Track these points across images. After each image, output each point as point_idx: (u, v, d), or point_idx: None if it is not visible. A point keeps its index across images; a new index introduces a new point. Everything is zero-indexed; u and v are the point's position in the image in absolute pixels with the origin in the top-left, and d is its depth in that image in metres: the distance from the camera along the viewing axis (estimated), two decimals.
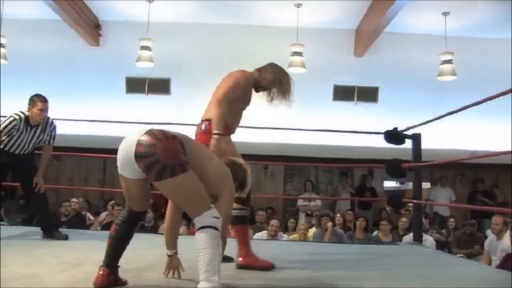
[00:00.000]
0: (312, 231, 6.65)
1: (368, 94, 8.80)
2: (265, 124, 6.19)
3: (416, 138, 4.82)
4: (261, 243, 4.87)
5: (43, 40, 8.37)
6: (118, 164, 2.27)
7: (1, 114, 4.11)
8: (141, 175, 2.22)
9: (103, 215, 7.25)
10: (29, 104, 3.88)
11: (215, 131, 2.86)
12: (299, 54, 7.57)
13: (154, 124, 2.42)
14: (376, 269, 3.18)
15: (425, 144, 4.85)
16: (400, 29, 7.95)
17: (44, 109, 3.88)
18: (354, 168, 10.23)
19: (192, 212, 2.20)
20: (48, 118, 4.02)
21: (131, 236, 2.42)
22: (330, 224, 6.39)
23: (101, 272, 2.31)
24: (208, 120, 2.95)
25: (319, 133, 6.65)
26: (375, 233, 6.71)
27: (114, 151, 2.31)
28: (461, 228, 7.09)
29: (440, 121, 4.23)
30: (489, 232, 6.21)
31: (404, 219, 6.81)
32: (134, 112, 7.63)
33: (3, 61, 7.46)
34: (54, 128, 4.09)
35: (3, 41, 7.47)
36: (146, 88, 8.74)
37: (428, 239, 6.03)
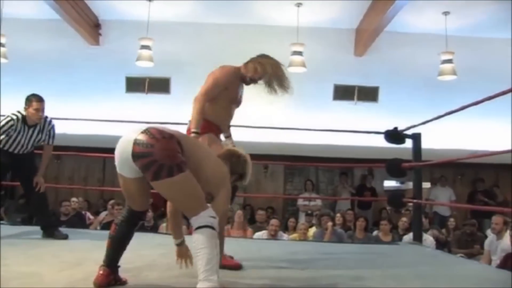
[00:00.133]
0: (312, 230, 6.65)
1: (368, 94, 8.79)
2: (265, 124, 6.19)
3: (416, 138, 4.82)
4: (261, 243, 4.88)
5: (43, 39, 8.37)
6: (116, 163, 2.27)
7: (1, 113, 4.10)
8: (139, 174, 2.22)
9: (103, 214, 7.25)
10: (26, 104, 3.88)
11: (192, 130, 2.88)
12: (299, 53, 7.57)
13: (154, 124, 2.40)
14: (376, 269, 3.18)
15: (425, 144, 4.85)
16: (400, 28, 7.94)
17: (40, 109, 3.86)
18: (354, 168, 10.24)
19: (189, 212, 2.20)
20: (46, 117, 4.02)
21: (131, 236, 2.42)
22: (330, 223, 6.39)
23: (101, 272, 2.31)
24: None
25: (319, 132, 6.64)
26: (375, 232, 6.71)
27: (114, 151, 2.30)
28: (461, 228, 7.08)
29: (440, 121, 4.23)
30: (489, 232, 6.20)
31: (404, 219, 6.81)
32: (134, 112, 7.63)
33: (3, 60, 7.45)
34: (53, 127, 4.08)
35: (3, 40, 7.47)
36: (146, 88, 8.73)
37: (428, 238, 6.03)
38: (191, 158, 2.26)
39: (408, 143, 4.87)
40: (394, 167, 4.81)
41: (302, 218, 8.08)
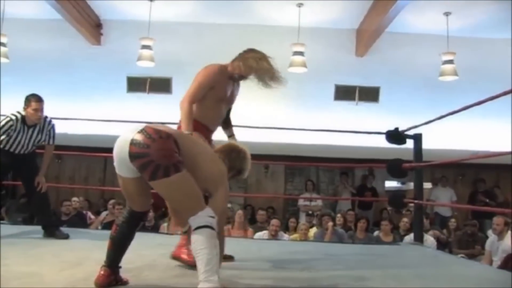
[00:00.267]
0: (312, 231, 6.65)
1: (370, 94, 8.79)
2: (266, 124, 6.18)
3: (417, 138, 4.82)
4: (262, 243, 4.88)
5: (45, 39, 8.38)
6: (115, 163, 2.26)
7: (2, 113, 4.10)
8: (137, 173, 2.21)
9: (104, 214, 7.25)
10: (25, 104, 3.87)
11: (184, 132, 2.84)
12: (301, 53, 7.56)
13: (154, 124, 2.40)
14: (377, 269, 3.17)
15: (426, 144, 4.85)
16: (401, 29, 7.94)
17: (39, 109, 3.86)
18: (355, 168, 10.24)
19: (187, 212, 2.19)
20: (46, 117, 4.01)
21: (132, 236, 2.41)
22: (330, 224, 6.39)
23: (102, 272, 2.31)
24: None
25: (320, 132, 6.64)
26: (376, 233, 6.71)
27: None
28: (462, 228, 7.08)
29: (441, 121, 4.22)
30: (490, 233, 6.20)
31: (405, 219, 6.80)
32: (135, 112, 7.64)
33: (4, 60, 7.46)
34: (53, 127, 4.08)
35: (4, 40, 7.47)
36: (147, 87, 8.74)
37: (429, 239, 6.02)
38: (188, 156, 2.24)
39: (409, 144, 4.87)
40: (395, 168, 4.81)
41: (303, 218, 8.08)
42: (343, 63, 8.54)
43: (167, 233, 4.82)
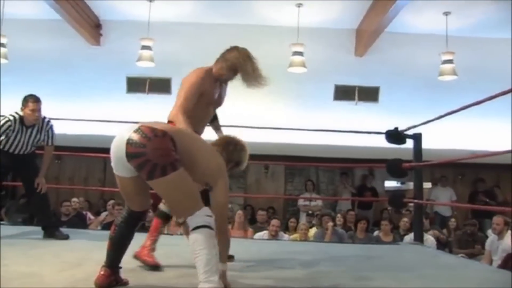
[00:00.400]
0: (313, 231, 6.65)
1: (369, 94, 8.79)
2: (266, 124, 6.18)
3: (417, 138, 4.83)
4: (262, 243, 4.88)
5: (44, 39, 8.37)
6: (112, 163, 2.25)
7: (1, 114, 4.10)
8: (135, 173, 2.20)
9: (104, 214, 7.26)
10: (22, 105, 3.87)
11: (180, 127, 2.80)
12: (300, 53, 7.56)
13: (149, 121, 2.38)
14: (377, 269, 3.18)
15: (425, 144, 4.85)
16: (401, 29, 7.94)
17: (36, 109, 3.85)
18: (355, 168, 10.24)
19: (184, 211, 2.18)
20: (44, 117, 4.01)
21: (132, 236, 2.41)
22: (331, 224, 6.39)
23: (102, 272, 2.31)
24: (171, 122, 2.92)
25: (319, 133, 6.64)
26: (376, 233, 6.71)
27: None
28: (462, 228, 7.08)
29: (440, 121, 4.23)
30: (490, 232, 6.20)
31: (405, 219, 6.81)
32: (135, 112, 7.62)
33: (3, 61, 7.45)
34: (51, 127, 4.07)
35: (3, 40, 7.46)
36: (146, 88, 8.73)
37: (429, 239, 6.02)
38: (186, 152, 2.23)
39: (409, 143, 4.87)
40: (395, 167, 4.82)
41: (303, 218, 8.08)
42: (343, 63, 8.55)
43: (166, 233, 4.81)
